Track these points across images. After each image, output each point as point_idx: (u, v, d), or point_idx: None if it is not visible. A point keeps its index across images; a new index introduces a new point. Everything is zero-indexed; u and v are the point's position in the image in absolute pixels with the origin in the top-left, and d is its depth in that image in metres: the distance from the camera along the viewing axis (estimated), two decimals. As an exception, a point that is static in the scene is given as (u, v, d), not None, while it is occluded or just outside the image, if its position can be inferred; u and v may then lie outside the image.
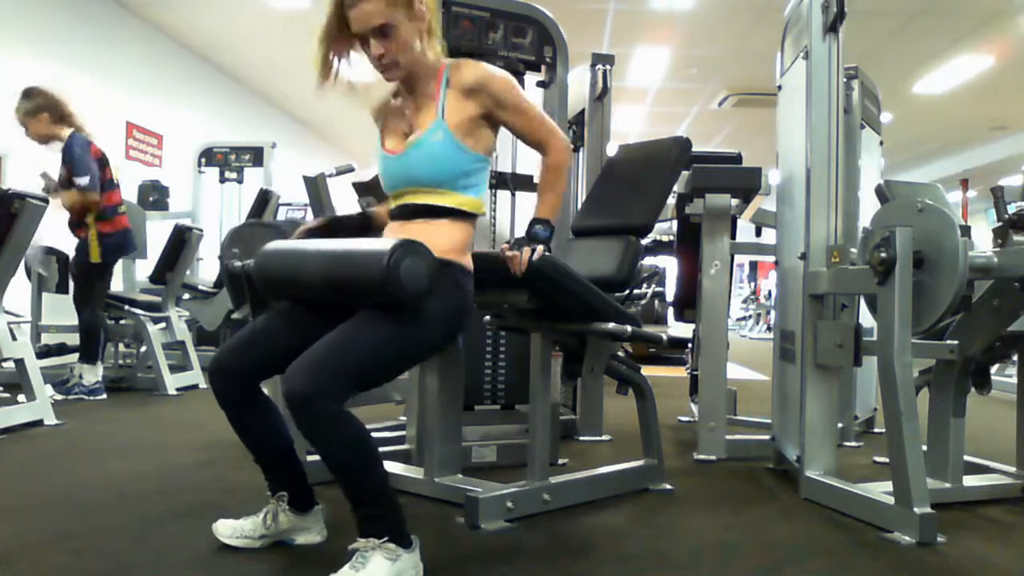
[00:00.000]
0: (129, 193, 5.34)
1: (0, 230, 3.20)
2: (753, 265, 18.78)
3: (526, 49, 2.93)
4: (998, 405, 4.02)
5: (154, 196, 6.46)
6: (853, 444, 3.33)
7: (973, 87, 8.62)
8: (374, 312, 1.61)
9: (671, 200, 3.35)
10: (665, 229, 5.71)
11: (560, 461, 2.79)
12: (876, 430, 3.67)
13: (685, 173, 3.00)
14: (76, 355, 4.23)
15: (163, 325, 4.68)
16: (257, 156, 6.75)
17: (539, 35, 2.96)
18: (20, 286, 4.34)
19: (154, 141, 7.55)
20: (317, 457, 1.59)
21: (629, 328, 2.16)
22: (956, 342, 2.30)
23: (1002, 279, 2.22)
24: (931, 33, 7.14)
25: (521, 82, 2.96)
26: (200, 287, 5.67)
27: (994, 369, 3.36)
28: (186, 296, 5.54)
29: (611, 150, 3.35)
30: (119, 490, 2.35)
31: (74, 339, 4.30)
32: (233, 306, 2.53)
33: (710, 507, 2.36)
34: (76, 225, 4.14)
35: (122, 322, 4.60)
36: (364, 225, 2.01)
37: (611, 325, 2.13)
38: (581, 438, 3.38)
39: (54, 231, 4.20)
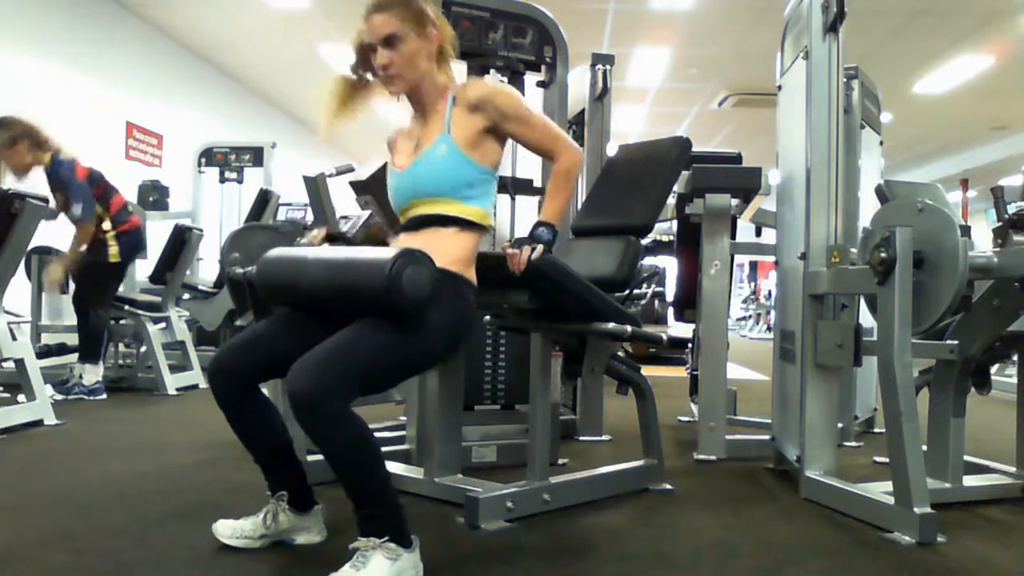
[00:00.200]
0: (129, 193, 5.33)
1: (0, 230, 3.20)
2: (753, 265, 18.76)
3: (526, 49, 2.94)
4: (998, 405, 4.02)
5: (154, 196, 6.47)
6: (853, 444, 3.33)
7: (973, 87, 8.63)
8: (378, 318, 1.62)
9: (671, 200, 3.34)
10: (665, 229, 5.71)
11: (560, 461, 2.79)
12: (876, 430, 3.67)
13: (685, 173, 2.99)
14: (75, 355, 4.22)
15: (163, 325, 4.67)
16: (257, 156, 6.75)
17: (539, 35, 2.96)
18: (20, 286, 4.34)
19: (154, 141, 7.55)
20: (317, 457, 1.59)
21: (629, 328, 2.16)
22: (956, 342, 2.29)
23: (1002, 279, 2.22)
24: (931, 33, 7.14)
25: (521, 82, 2.97)
26: (200, 287, 5.66)
27: (994, 369, 3.36)
28: (186, 296, 5.54)
29: (611, 150, 3.35)
30: (119, 490, 2.35)
31: (74, 339, 4.28)
32: (236, 313, 2.54)
33: (710, 507, 2.36)
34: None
35: (122, 322, 4.60)
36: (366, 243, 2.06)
37: (611, 325, 2.13)
38: (581, 438, 3.38)
39: (55, 231, 4.19)
